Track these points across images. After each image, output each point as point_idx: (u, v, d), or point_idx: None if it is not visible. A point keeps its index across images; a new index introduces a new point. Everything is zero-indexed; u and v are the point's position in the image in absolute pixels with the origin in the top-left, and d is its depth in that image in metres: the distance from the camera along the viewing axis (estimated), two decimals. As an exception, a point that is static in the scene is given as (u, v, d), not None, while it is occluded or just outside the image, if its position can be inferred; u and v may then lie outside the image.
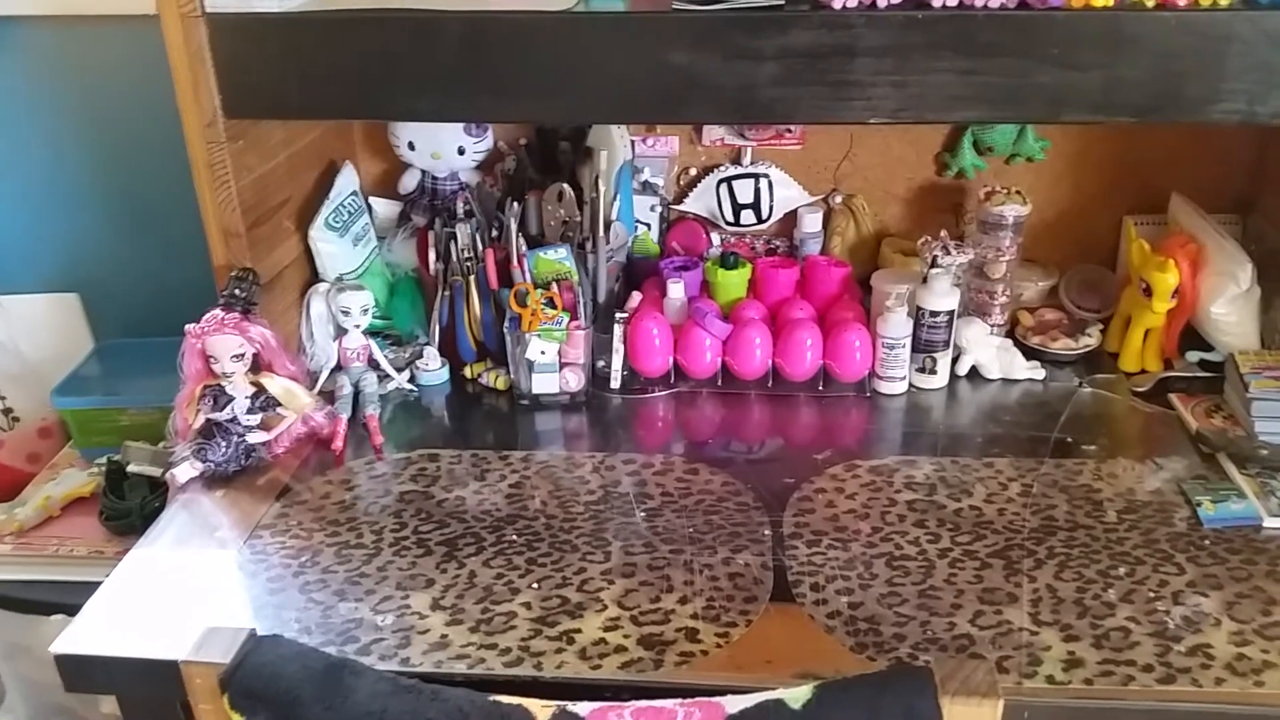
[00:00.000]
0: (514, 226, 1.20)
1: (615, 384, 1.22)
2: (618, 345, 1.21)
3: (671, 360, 1.21)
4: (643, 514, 0.99)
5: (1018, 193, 1.23)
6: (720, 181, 1.32)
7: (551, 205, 1.24)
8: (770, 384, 1.20)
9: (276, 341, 1.07)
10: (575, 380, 1.19)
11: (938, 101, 0.95)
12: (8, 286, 1.50)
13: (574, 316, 1.17)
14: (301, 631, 0.85)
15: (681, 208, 1.36)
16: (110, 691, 0.93)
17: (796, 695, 0.68)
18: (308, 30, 0.97)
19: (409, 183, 1.32)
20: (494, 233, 1.26)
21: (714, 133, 1.32)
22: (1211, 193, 1.27)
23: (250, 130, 1.08)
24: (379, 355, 1.21)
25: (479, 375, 1.24)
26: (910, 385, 1.19)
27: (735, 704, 0.69)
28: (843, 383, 1.19)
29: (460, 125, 1.27)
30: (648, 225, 1.35)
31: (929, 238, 1.23)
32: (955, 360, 1.21)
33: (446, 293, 1.23)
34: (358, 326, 1.19)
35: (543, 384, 1.19)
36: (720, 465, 1.07)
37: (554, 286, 1.18)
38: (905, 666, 0.77)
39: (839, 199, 1.33)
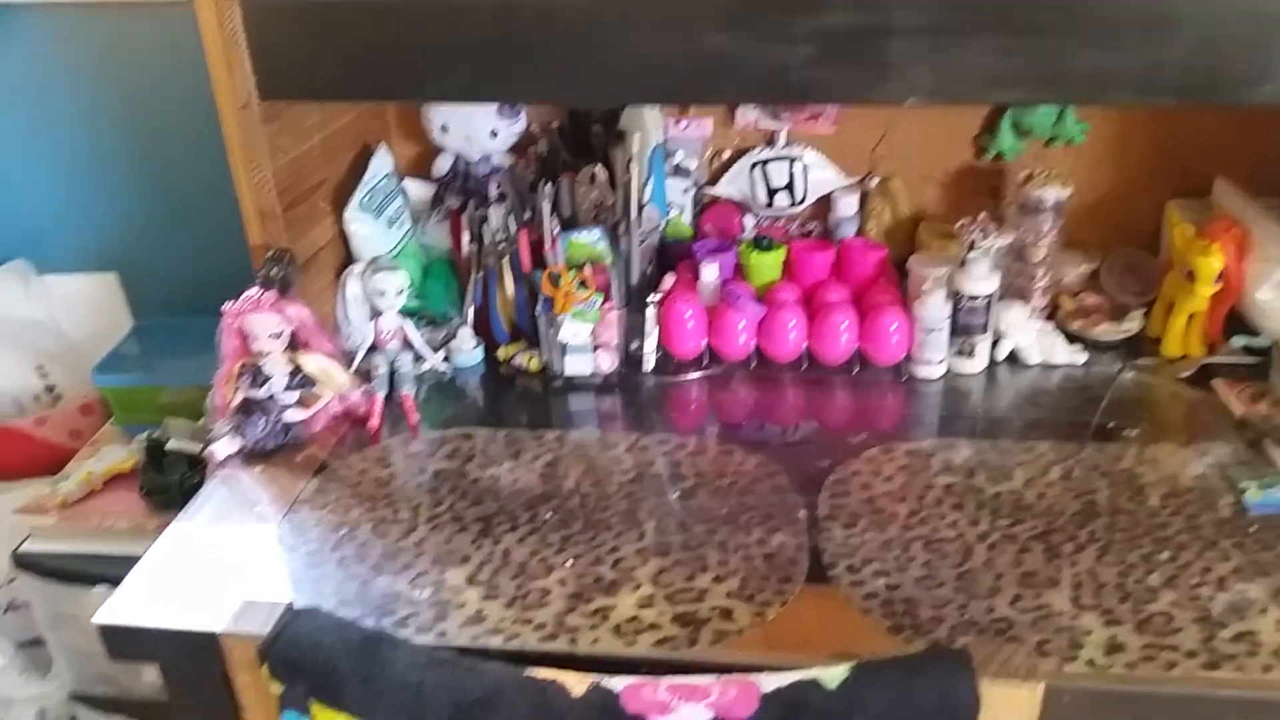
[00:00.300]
0: (547, 208, 1.19)
1: (648, 366, 1.22)
2: (651, 327, 1.20)
3: (705, 343, 1.21)
4: (677, 494, 0.99)
5: (1057, 176, 1.22)
6: (754, 164, 1.31)
7: (584, 187, 1.24)
8: (805, 367, 1.19)
9: (313, 321, 1.08)
10: (608, 362, 1.19)
11: (976, 82, 0.94)
12: (48, 266, 1.53)
13: (607, 298, 1.17)
14: (339, 605, 0.86)
15: (714, 191, 1.35)
16: (152, 661, 0.94)
17: (832, 675, 0.68)
18: (341, 11, 0.97)
19: (442, 165, 1.32)
20: (527, 215, 1.26)
21: (748, 115, 1.31)
22: (1257, 176, 1.25)
23: (285, 112, 1.08)
24: (414, 336, 1.21)
25: (512, 357, 1.24)
26: (948, 369, 1.18)
27: (770, 682, 0.69)
28: (879, 366, 1.18)
29: (493, 108, 1.27)
30: (680, 208, 1.34)
31: (967, 220, 1.21)
32: (994, 344, 1.19)
33: (480, 275, 1.24)
34: (393, 308, 1.19)
35: (576, 365, 1.19)
36: (755, 447, 1.06)
37: (587, 269, 1.18)
38: (943, 648, 0.77)
39: (875, 182, 1.32)
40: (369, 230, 1.22)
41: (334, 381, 1.10)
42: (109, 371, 1.38)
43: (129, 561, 0.92)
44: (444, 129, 1.28)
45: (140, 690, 1.27)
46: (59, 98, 1.43)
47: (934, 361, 1.17)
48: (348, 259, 1.24)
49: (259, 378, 1.07)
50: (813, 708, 0.68)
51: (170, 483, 1.22)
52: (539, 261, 1.22)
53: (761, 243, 1.24)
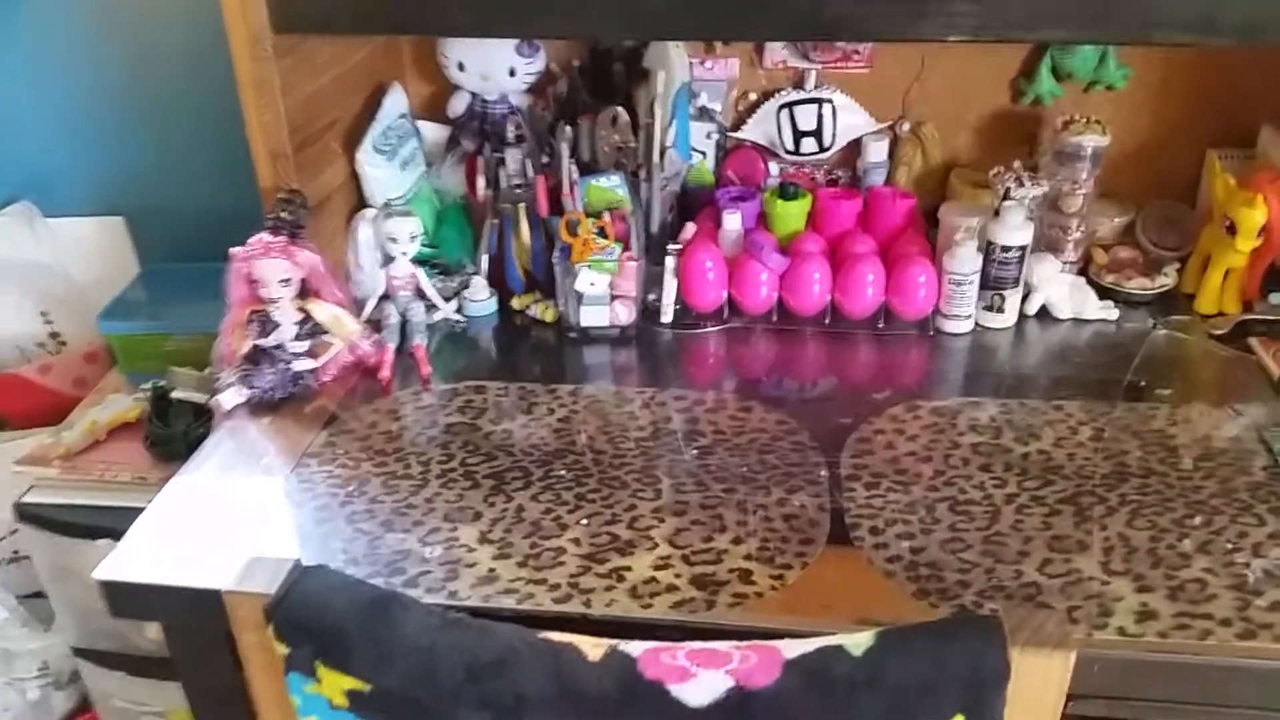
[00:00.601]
0: (565, 152, 1.15)
1: (666, 318, 1.18)
2: (670, 278, 1.17)
3: (725, 295, 1.17)
4: (694, 451, 0.96)
5: (1097, 122, 1.17)
6: (781, 107, 1.26)
7: (605, 130, 1.19)
8: (828, 320, 1.16)
9: (324, 267, 1.04)
10: (625, 314, 1.15)
11: (1022, 18, 0.88)
12: (54, 209, 1.50)
13: (626, 247, 1.13)
14: (348, 562, 0.84)
15: (739, 135, 1.30)
16: (154, 618, 0.93)
17: (858, 642, 0.66)
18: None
19: (458, 106, 1.28)
20: (544, 159, 1.22)
21: (776, 54, 1.26)
22: (1305, 125, 1.19)
23: (298, 47, 1.04)
24: (426, 284, 1.18)
25: (527, 307, 1.21)
26: (976, 324, 1.14)
27: (793, 649, 0.66)
28: (905, 320, 1.15)
29: (511, 45, 1.22)
30: (703, 153, 1.30)
31: (1001, 168, 1.17)
32: (1024, 298, 1.15)
33: (495, 221, 1.20)
34: (405, 254, 1.16)
35: (592, 317, 1.15)
36: (775, 404, 1.03)
37: (606, 216, 1.14)
38: (972, 615, 0.74)
39: (906, 127, 1.27)
40: (382, 173, 1.18)
41: (345, 331, 1.07)
42: (114, 318, 1.35)
43: (132, 514, 0.90)
44: (461, 67, 1.23)
45: (143, 645, 1.26)
46: (63, 36, 1.39)
47: (962, 316, 1.13)
48: (359, 203, 1.20)
49: (267, 326, 1.04)
50: (837, 675, 0.65)
51: (175, 434, 1.20)
52: (556, 207, 1.18)
53: (787, 190, 1.20)
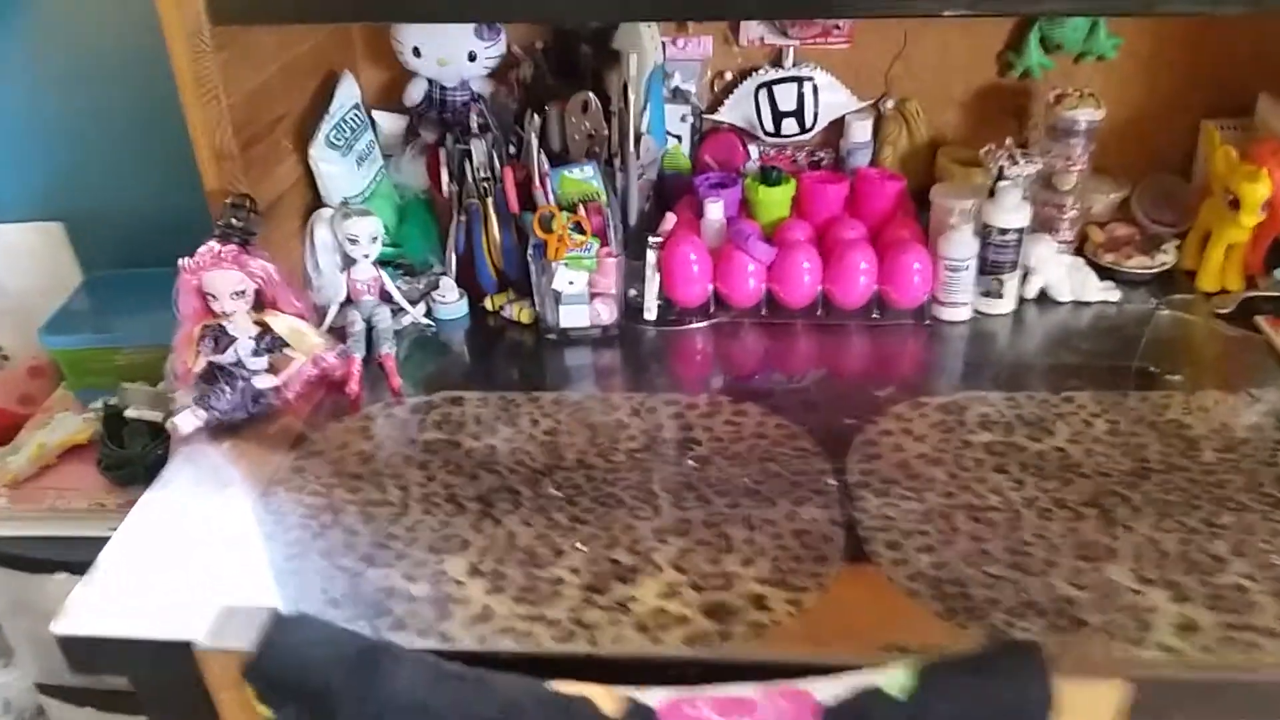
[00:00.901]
0: (535, 142, 1.08)
1: (650, 315, 1.12)
2: (652, 273, 1.10)
3: (711, 288, 1.11)
4: (691, 462, 0.90)
5: (1090, 95, 1.12)
6: (759, 86, 1.20)
7: (575, 117, 1.12)
8: (820, 312, 1.10)
9: (280, 276, 0.96)
10: (607, 312, 1.09)
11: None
12: (-14, 216, 1.39)
13: (604, 242, 1.07)
14: (328, 604, 0.77)
15: (715, 117, 1.24)
16: (121, 673, 0.85)
17: (897, 682, 0.60)
18: (300, -82, 0.84)
19: (415, 94, 1.20)
20: (511, 149, 1.15)
21: (752, 31, 1.19)
22: (1302, 92, 1.16)
23: (239, 38, 0.95)
24: (391, 288, 1.10)
25: (501, 308, 1.14)
26: (974, 311, 1.10)
27: (826, 690, 0.61)
28: (900, 309, 1.09)
29: (470, 27, 1.14)
30: (678, 137, 1.23)
31: (993, 146, 1.11)
32: (1022, 281, 1.11)
33: (463, 218, 1.12)
34: (367, 256, 1.08)
35: (571, 317, 1.09)
36: (772, 405, 0.97)
37: (581, 209, 1.07)
38: (1012, 643, 0.69)
39: (890, 104, 1.21)
40: (338, 169, 1.09)
41: (306, 343, 0.99)
42: (58, 332, 1.26)
43: (89, 544, 0.82)
44: (416, 52, 1.15)
45: (111, 680, 1.18)
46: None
47: (960, 303, 1.08)
48: (314, 202, 1.12)
49: (222, 341, 0.96)
50: (875, 720, 0.60)
51: (132, 456, 1.11)
52: (527, 201, 1.11)
53: (770, 175, 1.14)
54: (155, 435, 1.14)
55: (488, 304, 1.15)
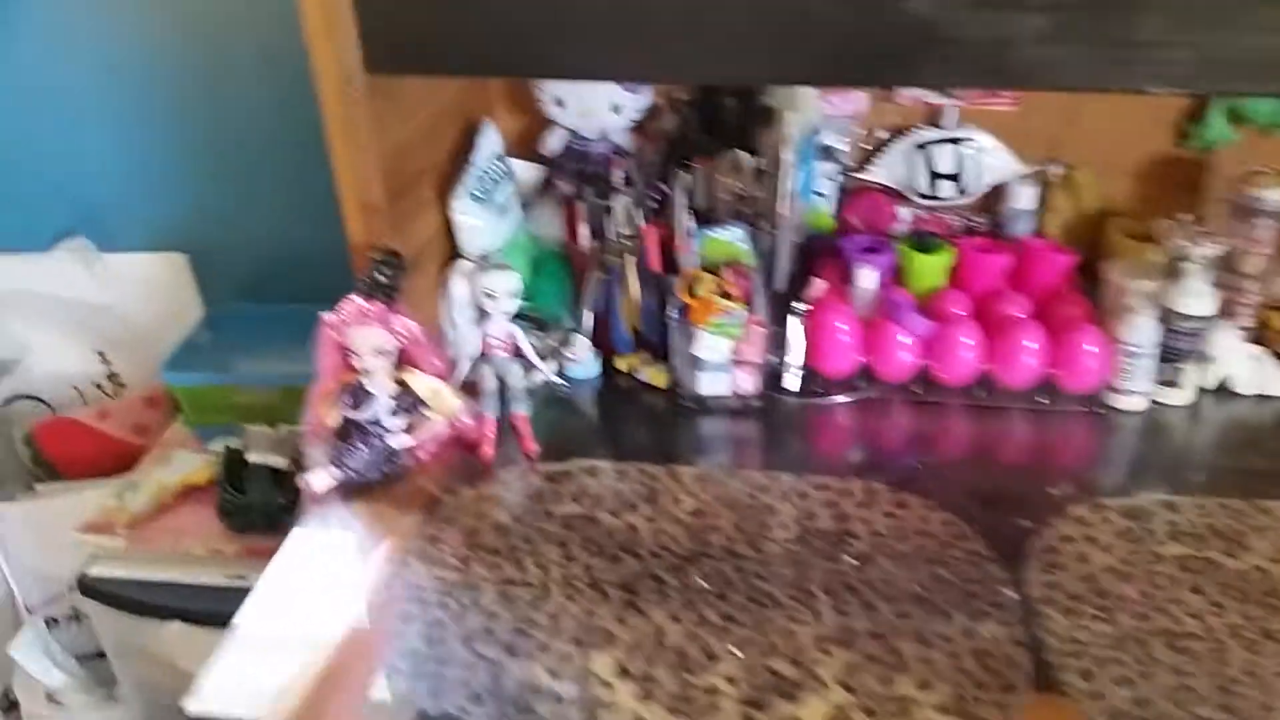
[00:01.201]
0: (682, 202, 1.03)
1: (792, 386, 1.06)
2: (797, 341, 1.04)
3: (859, 360, 1.05)
4: (853, 561, 0.84)
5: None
6: (917, 146, 1.13)
7: (724, 176, 1.07)
8: (980, 393, 1.03)
9: (423, 335, 0.93)
10: (749, 382, 1.03)
11: (1245, 69, 0.75)
12: (111, 244, 1.39)
13: (752, 309, 1.01)
14: (470, 699, 0.72)
15: (864, 176, 1.17)
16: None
17: None
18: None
19: (554, 143, 1.16)
20: (651, 203, 1.10)
21: (913, 89, 1.13)
22: None
23: (390, 86, 0.92)
24: (525, 345, 1.06)
25: (634, 369, 1.09)
26: (1150, 401, 1.01)
27: None
28: (1069, 394, 1.01)
29: (617, 79, 1.10)
30: (822, 195, 1.17)
31: (1172, 223, 1.03)
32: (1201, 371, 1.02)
33: (602, 276, 1.08)
34: (504, 312, 1.04)
35: (711, 384, 1.03)
36: (934, 497, 0.90)
37: (728, 274, 1.02)
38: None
39: (1057, 170, 1.13)
40: (480, 221, 1.06)
41: (445, 405, 0.95)
42: (179, 368, 1.25)
43: (206, 592, 0.81)
44: (559, 103, 1.11)
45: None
46: (125, 56, 1.27)
47: (1136, 392, 1.00)
48: (452, 253, 1.09)
49: (360, 398, 0.93)
50: None
51: (253, 503, 1.09)
52: (668, 261, 1.06)
53: (925, 242, 1.07)
54: (277, 482, 1.11)
55: (620, 364, 1.10)
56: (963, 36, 0.76)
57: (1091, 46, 0.76)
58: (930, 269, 1.07)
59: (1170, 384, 1.01)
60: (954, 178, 1.14)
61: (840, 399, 1.05)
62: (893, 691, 0.72)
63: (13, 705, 1.37)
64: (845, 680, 0.73)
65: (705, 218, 1.09)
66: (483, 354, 1.06)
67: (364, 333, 0.90)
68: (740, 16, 0.77)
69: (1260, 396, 1.03)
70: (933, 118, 1.14)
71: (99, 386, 1.44)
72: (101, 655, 1.28)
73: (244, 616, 0.80)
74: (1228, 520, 0.87)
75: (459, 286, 1.05)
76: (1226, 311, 1.06)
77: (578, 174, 1.15)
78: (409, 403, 0.94)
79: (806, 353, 1.05)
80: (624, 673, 0.74)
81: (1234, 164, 1.07)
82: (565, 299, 1.13)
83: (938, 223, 1.18)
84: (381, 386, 0.93)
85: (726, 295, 1.00)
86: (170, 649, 0.93)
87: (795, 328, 1.04)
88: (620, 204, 1.07)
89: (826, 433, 1.03)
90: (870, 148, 1.17)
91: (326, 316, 0.91)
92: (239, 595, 0.80)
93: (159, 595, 1.08)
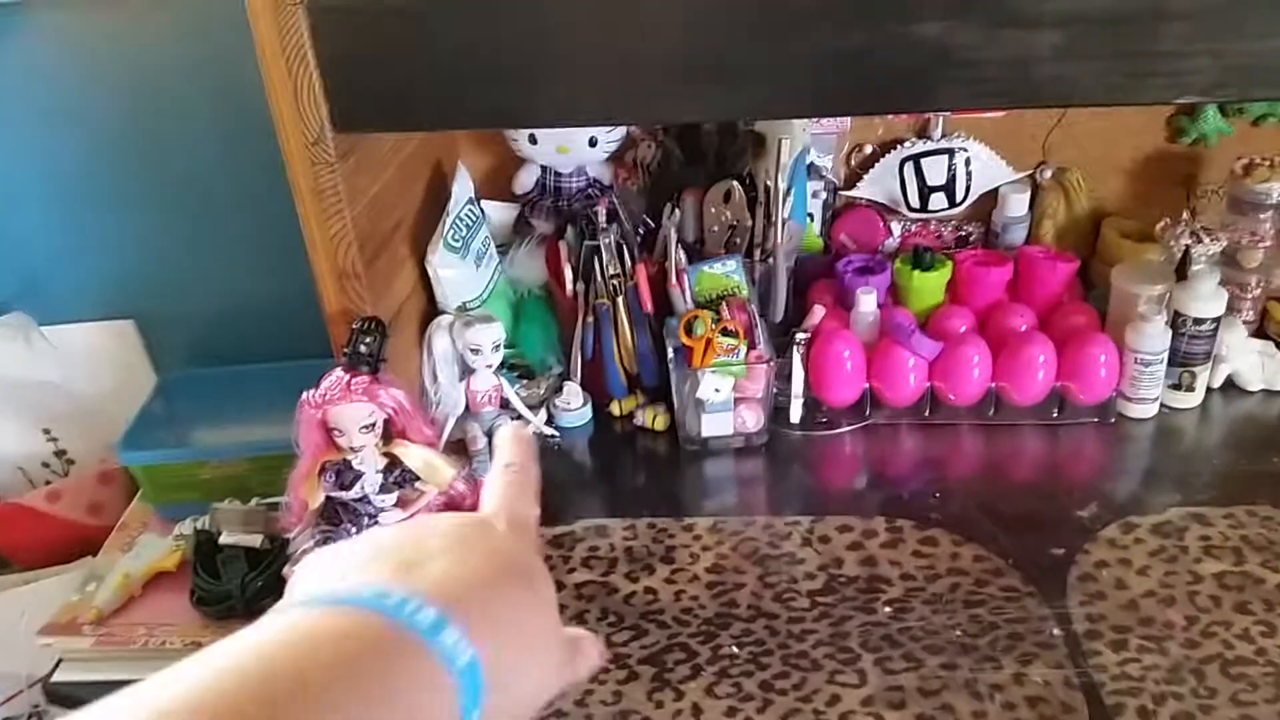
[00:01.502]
0: (674, 237, 0.98)
1: (795, 418, 1.02)
2: (798, 371, 1.00)
3: (866, 387, 1.01)
4: (887, 609, 0.80)
5: None
6: (905, 160, 1.10)
7: (716, 207, 1.02)
8: (990, 411, 1.00)
9: (411, 404, 0.86)
10: (753, 419, 0.99)
11: (1266, 74, 0.72)
12: (52, 315, 1.30)
13: (751, 343, 0.97)
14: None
15: (852, 193, 1.13)
16: None
17: None
18: (440, 17, 0.74)
19: (526, 181, 1.10)
20: (638, 237, 1.05)
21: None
22: None
23: (360, 144, 0.86)
24: (512, 396, 1.01)
25: (631, 413, 1.04)
26: (1161, 405, 0.99)
27: None
28: (1080, 406, 0.99)
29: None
30: (811, 216, 1.13)
31: (1169, 220, 1.01)
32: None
33: (590, 319, 1.03)
34: (489, 365, 0.98)
35: (714, 425, 0.99)
36: (961, 530, 0.87)
37: (727, 311, 0.98)
38: None
39: (1049, 173, 1.10)
40: (457, 273, 0.99)
41: (438, 476, 0.89)
42: (136, 447, 1.15)
43: None
44: (532, 139, 1.06)
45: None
46: (61, 112, 1.17)
47: (1148, 399, 0.98)
48: (430, 308, 1.02)
49: (346, 477, 0.86)
50: None
51: (230, 590, 1.01)
52: (660, 299, 1.01)
53: (923, 258, 1.03)
54: (253, 563, 1.04)
55: (616, 409, 1.05)
56: (978, 58, 0.72)
57: (1110, 60, 0.73)
58: (929, 286, 1.04)
59: (1181, 388, 0.98)
60: (944, 188, 1.10)
61: (847, 427, 1.01)
62: (956, 757, 0.68)
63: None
64: (904, 748, 0.69)
65: (693, 251, 1.04)
66: (468, 409, 1.00)
67: (348, 409, 0.84)
68: (741, 54, 0.72)
69: (1267, 392, 1.01)
70: (920, 129, 1.10)
71: (47, 465, 1.34)
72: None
73: None
74: (1259, 530, 0.85)
75: (440, 342, 1.00)
76: (1230, 307, 1.04)
77: (554, 210, 1.10)
78: (400, 476, 0.88)
79: (809, 383, 1.01)
80: (667, 760, 0.69)
81: (1226, 157, 1.05)
82: (551, 344, 1.08)
83: (929, 234, 1.14)
84: (370, 463, 0.86)
85: (726, 331, 0.95)
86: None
87: (796, 357, 1.00)
88: (607, 244, 1.02)
89: (838, 465, 0.99)
90: (856, 164, 1.13)
91: (308, 395, 0.84)
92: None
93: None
